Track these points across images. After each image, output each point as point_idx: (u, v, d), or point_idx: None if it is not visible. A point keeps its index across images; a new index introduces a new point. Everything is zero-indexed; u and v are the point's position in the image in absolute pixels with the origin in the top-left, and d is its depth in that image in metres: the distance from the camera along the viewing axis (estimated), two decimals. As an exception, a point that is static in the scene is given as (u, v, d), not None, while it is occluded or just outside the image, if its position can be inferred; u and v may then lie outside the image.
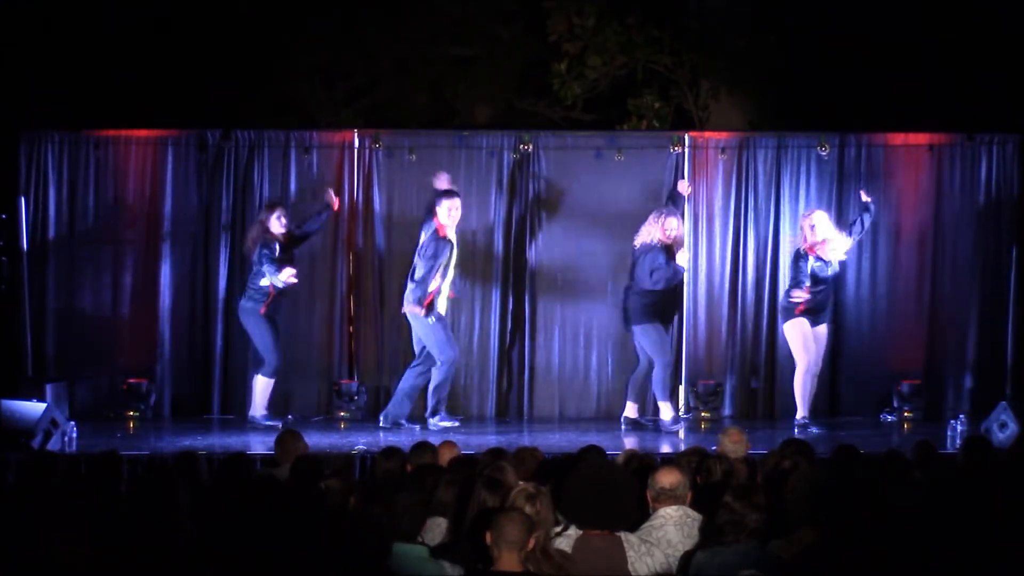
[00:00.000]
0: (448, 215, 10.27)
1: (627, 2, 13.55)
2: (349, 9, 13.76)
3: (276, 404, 11.10)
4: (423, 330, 10.38)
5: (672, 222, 10.35)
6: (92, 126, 11.64)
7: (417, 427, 10.42)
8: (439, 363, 10.37)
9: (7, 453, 8.69)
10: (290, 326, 11.28)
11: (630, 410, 10.64)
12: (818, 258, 10.24)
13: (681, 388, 11.45)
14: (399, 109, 14.26)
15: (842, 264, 10.57)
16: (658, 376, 10.36)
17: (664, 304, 10.46)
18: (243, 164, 11.59)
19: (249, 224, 11.31)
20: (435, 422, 10.46)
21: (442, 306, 10.45)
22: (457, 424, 10.56)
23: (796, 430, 10.09)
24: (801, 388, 10.35)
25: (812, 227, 10.26)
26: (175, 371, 11.56)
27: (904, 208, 11.65)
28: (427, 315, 10.21)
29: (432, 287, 10.22)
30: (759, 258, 11.61)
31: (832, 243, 10.28)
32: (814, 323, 10.36)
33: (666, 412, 10.40)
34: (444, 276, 10.32)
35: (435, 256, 10.19)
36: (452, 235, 10.35)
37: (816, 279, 10.24)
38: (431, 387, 10.51)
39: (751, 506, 5.08)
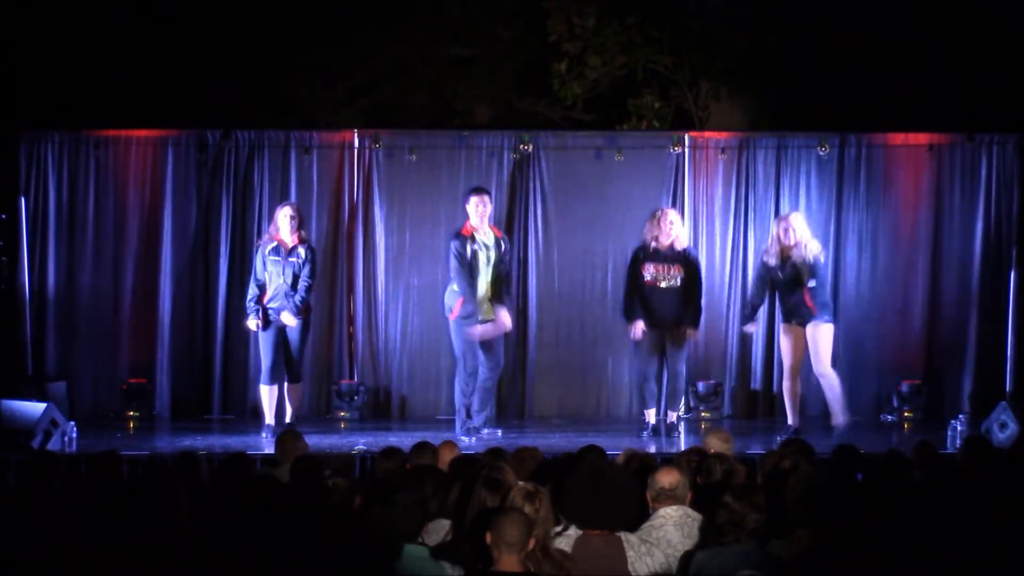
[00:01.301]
0: (476, 211, 9.92)
1: (627, 2, 13.54)
2: (349, 9, 13.75)
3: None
4: (451, 334, 10.13)
5: (671, 215, 10.20)
6: (92, 126, 11.64)
7: (497, 431, 10.09)
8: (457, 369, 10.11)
9: (7, 453, 8.69)
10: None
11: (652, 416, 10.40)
12: (779, 261, 9.83)
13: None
14: (399, 109, 14.26)
15: (814, 258, 10.11)
16: (631, 380, 10.29)
17: (649, 307, 10.02)
18: (243, 164, 11.59)
19: (249, 224, 11.35)
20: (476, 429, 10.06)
21: (486, 312, 9.90)
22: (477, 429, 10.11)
23: (778, 437, 9.66)
24: (787, 394, 10.09)
25: (786, 230, 9.79)
26: (175, 371, 11.56)
27: (904, 208, 11.66)
28: (460, 321, 9.90)
29: (456, 289, 9.90)
30: (759, 258, 11.58)
31: (806, 244, 9.82)
32: (788, 323, 9.95)
33: (649, 417, 10.28)
34: (473, 279, 9.86)
35: (448, 258, 10.01)
36: (484, 234, 9.94)
37: (773, 282, 9.92)
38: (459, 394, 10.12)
39: (751, 506, 5.08)
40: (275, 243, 10.05)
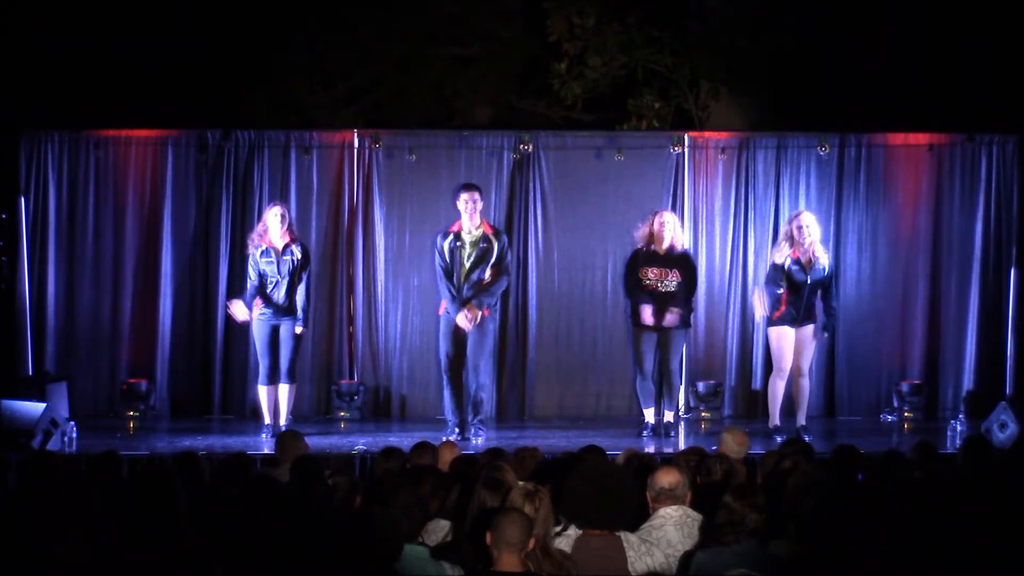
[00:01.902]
0: (465, 207, 9.82)
1: (627, 2, 13.55)
2: (349, 9, 13.75)
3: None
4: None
5: (666, 217, 10.12)
6: (92, 126, 11.64)
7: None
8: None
9: (7, 453, 8.69)
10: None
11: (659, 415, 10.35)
12: (795, 261, 9.78)
13: (681, 388, 11.40)
14: (399, 109, 14.25)
15: (830, 267, 10.07)
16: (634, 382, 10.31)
17: (643, 309, 9.97)
18: (243, 164, 11.59)
19: (249, 224, 11.36)
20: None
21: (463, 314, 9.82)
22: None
23: (777, 438, 9.54)
24: (771, 394, 10.01)
25: (800, 228, 9.76)
26: (175, 371, 11.56)
27: (904, 208, 11.66)
28: (447, 317, 9.90)
29: (443, 287, 9.93)
30: (758, 259, 11.61)
31: (817, 245, 9.86)
32: (796, 326, 9.85)
33: (648, 417, 10.23)
34: (451, 278, 9.85)
35: (434, 254, 10.02)
36: (470, 232, 9.86)
37: (792, 283, 9.79)
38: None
39: (751, 506, 5.08)
40: (264, 245, 9.92)
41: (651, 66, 13.81)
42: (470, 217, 9.86)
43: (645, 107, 13.81)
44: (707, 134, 12.20)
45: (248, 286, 10.00)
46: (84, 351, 11.51)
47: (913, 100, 12.48)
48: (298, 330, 10.02)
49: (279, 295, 9.90)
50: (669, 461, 6.68)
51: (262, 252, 9.92)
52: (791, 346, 9.88)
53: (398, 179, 11.68)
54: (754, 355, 11.65)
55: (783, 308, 9.87)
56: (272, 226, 9.95)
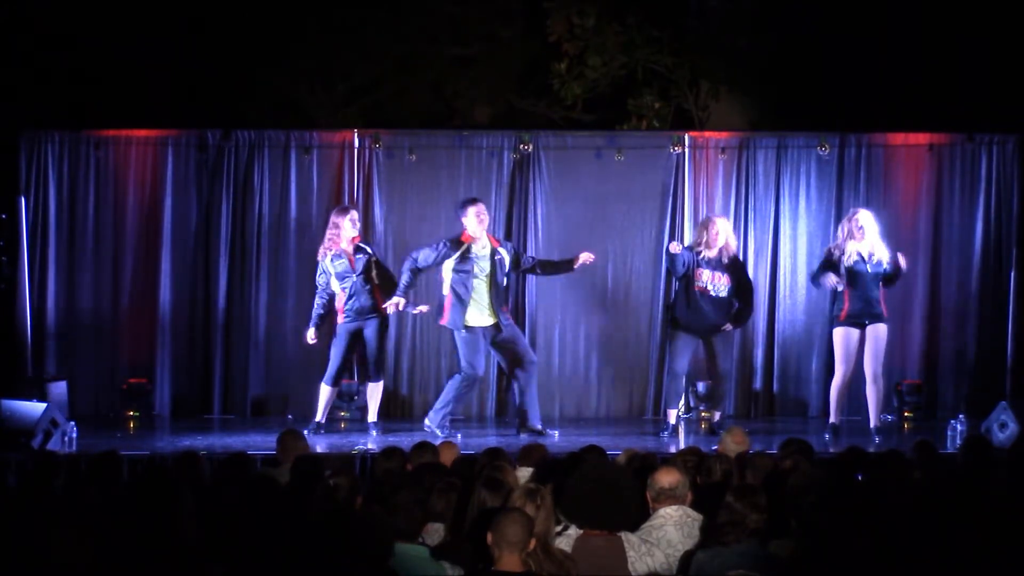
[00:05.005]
0: (478, 220, 9.89)
1: (627, 2, 13.55)
2: (349, 9, 13.75)
3: (275, 404, 11.21)
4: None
5: (719, 224, 10.13)
6: (92, 126, 11.65)
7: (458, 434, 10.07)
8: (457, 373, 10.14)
9: (7, 453, 8.70)
10: (290, 326, 11.30)
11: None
12: (861, 257, 9.86)
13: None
14: (399, 109, 14.25)
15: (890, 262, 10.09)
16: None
17: (694, 312, 10.04)
18: (243, 164, 11.59)
19: (249, 224, 11.38)
20: (432, 427, 10.07)
21: (478, 319, 9.93)
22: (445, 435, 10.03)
23: (827, 435, 9.88)
24: (835, 394, 10.07)
25: (860, 228, 9.84)
26: (175, 371, 11.56)
27: (904, 208, 11.66)
28: (457, 328, 9.96)
29: (445, 292, 10.00)
30: (759, 258, 11.61)
31: (875, 244, 9.94)
32: (858, 326, 9.93)
33: (670, 417, 10.31)
34: (466, 284, 9.90)
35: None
36: (483, 246, 9.94)
37: (855, 279, 9.86)
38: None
39: (752, 506, 5.09)
40: (335, 250, 10.06)
41: (651, 66, 13.80)
42: (481, 228, 9.93)
43: (645, 107, 13.80)
44: (707, 134, 12.20)
45: (317, 299, 10.23)
46: (84, 351, 11.51)
47: (913, 100, 12.47)
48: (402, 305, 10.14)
49: (359, 296, 10.06)
50: (668, 461, 6.68)
51: (333, 256, 10.06)
52: (854, 345, 9.91)
53: (398, 179, 11.68)
54: (754, 355, 11.66)
55: (847, 306, 9.92)
56: (349, 232, 10.08)
